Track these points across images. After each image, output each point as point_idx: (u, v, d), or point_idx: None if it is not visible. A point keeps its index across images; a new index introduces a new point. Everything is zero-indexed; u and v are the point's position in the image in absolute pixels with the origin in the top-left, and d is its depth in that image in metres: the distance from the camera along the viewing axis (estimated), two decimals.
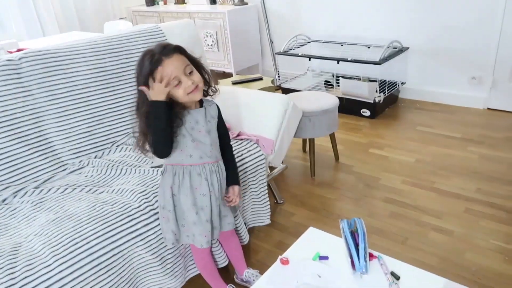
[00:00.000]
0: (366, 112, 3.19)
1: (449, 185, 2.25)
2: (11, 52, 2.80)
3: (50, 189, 1.55)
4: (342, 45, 3.58)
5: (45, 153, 1.70)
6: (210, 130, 1.31)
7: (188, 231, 1.35)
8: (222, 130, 1.39)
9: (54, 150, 1.74)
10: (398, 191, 2.25)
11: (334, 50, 3.58)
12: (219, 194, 1.36)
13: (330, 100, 2.38)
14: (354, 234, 1.24)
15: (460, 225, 1.93)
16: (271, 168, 2.12)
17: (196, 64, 1.27)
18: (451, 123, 2.98)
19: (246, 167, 1.75)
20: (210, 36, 4.08)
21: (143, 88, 1.18)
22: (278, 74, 3.74)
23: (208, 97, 1.36)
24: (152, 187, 1.51)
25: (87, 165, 1.76)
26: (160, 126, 1.19)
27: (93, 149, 1.83)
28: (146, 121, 1.19)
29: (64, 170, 1.74)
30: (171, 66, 1.17)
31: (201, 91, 1.26)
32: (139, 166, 1.70)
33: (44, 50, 1.76)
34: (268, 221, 1.92)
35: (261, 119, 1.92)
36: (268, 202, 1.89)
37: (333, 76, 3.48)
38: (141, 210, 1.41)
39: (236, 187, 1.44)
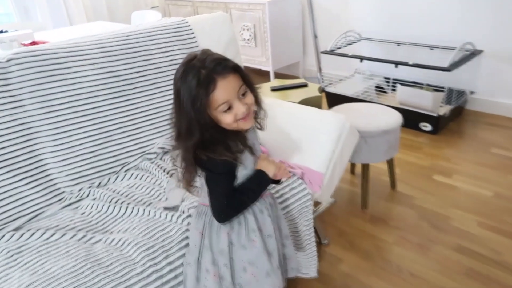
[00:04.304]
0: (426, 127, 2.70)
1: None
2: (25, 45, 2.51)
3: (33, 234, 1.20)
4: (398, 45, 3.08)
5: (35, 180, 1.37)
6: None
7: None
8: None
9: (48, 175, 1.40)
10: (474, 238, 1.77)
11: (389, 50, 3.09)
12: (279, 231, 1.14)
13: (391, 118, 1.92)
14: None
15: None
16: (316, 202, 1.71)
17: (249, 82, 0.96)
18: None
19: (288, 211, 1.34)
20: (248, 29, 3.67)
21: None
22: (321, 75, 3.29)
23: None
24: (163, 240, 1.13)
25: (87, 196, 1.40)
26: (257, 197, 1.03)
27: (97, 173, 1.48)
28: (246, 193, 1.00)
29: (60, 200, 1.40)
30: (226, 90, 0.89)
31: (253, 116, 0.99)
32: (149, 204, 1.33)
33: (41, 49, 1.41)
34: (314, 274, 1.51)
35: (308, 145, 1.50)
36: (316, 253, 1.48)
37: (388, 81, 2.99)
38: (145, 278, 1.03)
39: None
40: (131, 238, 1.15)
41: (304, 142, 1.51)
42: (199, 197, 1.29)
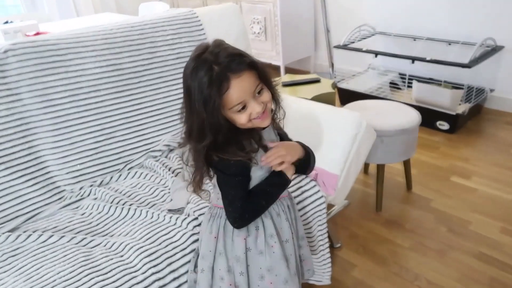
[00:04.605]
0: (443, 125, 2.58)
1: None
2: (29, 36, 2.45)
3: (29, 236, 1.13)
4: (414, 40, 2.97)
5: (34, 177, 1.29)
6: None
7: None
8: None
9: (48, 173, 1.33)
10: (496, 245, 1.67)
11: (404, 45, 2.98)
12: (296, 233, 1.05)
13: (409, 116, 1.82)
14: None
15: None
16: (329, 205, 1.62)
17: (267, 80, 0.87)
18: None
19: (300, 215, 1.25)
20: (258, 22, 3.57)
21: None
22: (333, 70, 3.19)
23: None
24: (166, 246, 1.05)
25: (88, 195, 1.33)
26: (274, 200, 0.94)
27: (99, 171, 1.41)
28: (262, 196, 0.92)
29: (59, 199, 1.33)
30: (240, 89, 0.81)
31: (270, 114, 0.90)
32: (152, 205, 1.25)
33: (40, 40, 1.33)
34: (327, 281, 1.43)
35: (323, 144, 1.41)
36: (329, 259, 1.39)
37: (403, 77, 2.88)
38: (146, 287, 0.96)
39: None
40: (132, 242, 1.07)
41: (318, 142, 1.42)
42: (206, 201, 1.21)
